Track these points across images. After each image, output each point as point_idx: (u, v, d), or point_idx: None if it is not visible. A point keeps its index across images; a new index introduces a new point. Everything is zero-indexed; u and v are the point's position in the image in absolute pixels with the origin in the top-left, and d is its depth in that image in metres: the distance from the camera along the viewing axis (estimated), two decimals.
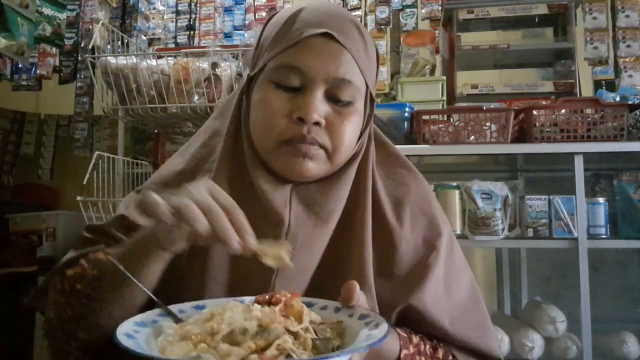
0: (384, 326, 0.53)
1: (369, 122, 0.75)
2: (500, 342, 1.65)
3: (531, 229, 1.67)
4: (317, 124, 0.67)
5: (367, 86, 0.73)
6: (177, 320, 0.58)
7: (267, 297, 0.58)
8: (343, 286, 0.58)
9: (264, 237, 0.67)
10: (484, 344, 0.75)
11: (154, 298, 0.61)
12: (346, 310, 0.58)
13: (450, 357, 0.73)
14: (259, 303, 0.57)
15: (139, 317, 0.57)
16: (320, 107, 0.67)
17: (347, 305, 0.58)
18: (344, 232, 0.72)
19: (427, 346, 0.72)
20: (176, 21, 3.05)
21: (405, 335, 0.70)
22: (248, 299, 0.62)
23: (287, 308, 0.55)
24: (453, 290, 0.76)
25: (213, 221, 0.55)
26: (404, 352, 0.67)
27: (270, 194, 0.70)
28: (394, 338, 0.68)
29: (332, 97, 0.69)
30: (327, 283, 0.69)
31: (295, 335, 0.51)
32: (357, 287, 0.57)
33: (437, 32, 2.43)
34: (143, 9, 3.00)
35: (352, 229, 0.72)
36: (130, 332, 0.53)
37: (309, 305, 0.59)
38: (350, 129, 0.70)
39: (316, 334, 0.53)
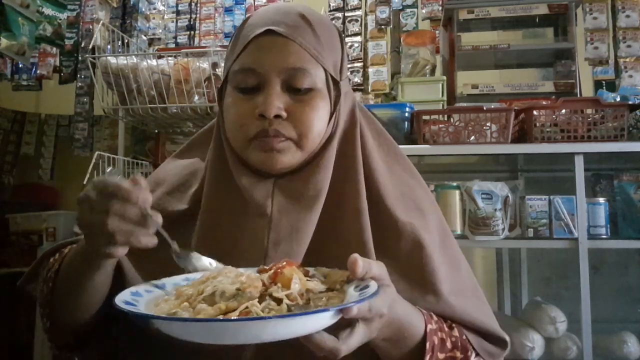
0: (371, 291, 0.54)
1: (337, 104, 0.77)
2: None
3: (531, 229, 1.67)
4: (278, 116, 0.70)
5: (326, 71, 0.74)
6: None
7: (268, 267, 0.59)
8: (348, 260, 0.57)
9: (250, 229, 0.72)
10: (490, 326, 0.77)
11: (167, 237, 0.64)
12: (355, 282, 0.58)
13: (464, 337, 0.74)
14: (259, 272, 0.59)
15: (133, 289, 0.61)
16: (278, 100, 0.71)
17: (354, 276, 0.57)
18: (336, 208, 0.74)
19: (444, 324, 0.73)
20: (176, 21, 3.05)
21: (426, 312, 0.72)
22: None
23: (277, 275, 0.56)
24: (458, 268, 0.79)
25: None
26: (429, 326, 0.69)
27: (252, 189, 0.73)
28: (417, 313, 0.70)
29: (290, 87, 0.72)
30: (323, 259, 0.71)
31: (279, 301, 0.53)
32: (359, 259, 0.56)
33: (437, 32, 2.42)
34: (143, 9, 3.00)
35: (343, 202, 0.74)
36: (129, 298, 0.56)
37: (324, 277, 0.61)
38: (314, 114, 0.72)
39: (309, 302, 0.55)
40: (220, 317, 0.51)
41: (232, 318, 0.50)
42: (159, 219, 0.62)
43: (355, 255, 0.56)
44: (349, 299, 0.55)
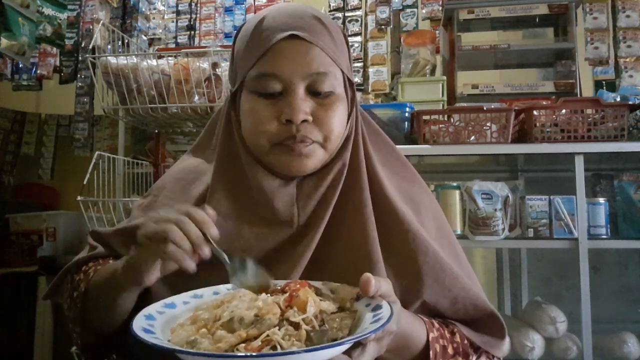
0: (385, 317, 0.54)
1: (354, 105, 0.79)
2: None
3: (531, 229, 1.67)
4: (304, 121, 0.71)
5: (342, 72, 0.76)
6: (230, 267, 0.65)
7: (279, 287, 0.60)
8: (360, 279, 0.58)
9: (274, 238, 0.74)
10: (491, 308, 0.79)
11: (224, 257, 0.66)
12: (365, 300, 0.59)
13: (466, 341, 0.76)
14: (271, 293, 0.59)
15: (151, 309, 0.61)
16: (304, 105, 0.72)
17: (366, 295, 0.58)
18: (342, 202, 0.76)
19: (446, 330, 0.75)
20: (177, 21, 3.06)
21: (427, 319, 0.74)
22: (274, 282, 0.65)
23: (292, 298, 0.56)
24: (457, 257, 0.81)
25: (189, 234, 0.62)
26: (431, 335, 0.71)
27: (274, 195, 0.74)
28: (419, 322, 0.72)
29: (313, 91, 0.73)
30: (328, 263, 0.73)
31: (296, 325, 0.53)
32: (372, 279, 0.57)
33: (437, 32, 2.42)
34: (143, 9, 3.00)
35: (349, 197, 0.76)
36: (145, 324, 0.56)
37: (332, 292, 0.61)
38: (337, 116, 0.74)
39: (324, 324, 0.55)
40: (242, 346, 0.51)
41: (261, 353, 0.50)
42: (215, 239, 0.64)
43: (368, 275, 0.58)
44: (363, 320, 0.56)
